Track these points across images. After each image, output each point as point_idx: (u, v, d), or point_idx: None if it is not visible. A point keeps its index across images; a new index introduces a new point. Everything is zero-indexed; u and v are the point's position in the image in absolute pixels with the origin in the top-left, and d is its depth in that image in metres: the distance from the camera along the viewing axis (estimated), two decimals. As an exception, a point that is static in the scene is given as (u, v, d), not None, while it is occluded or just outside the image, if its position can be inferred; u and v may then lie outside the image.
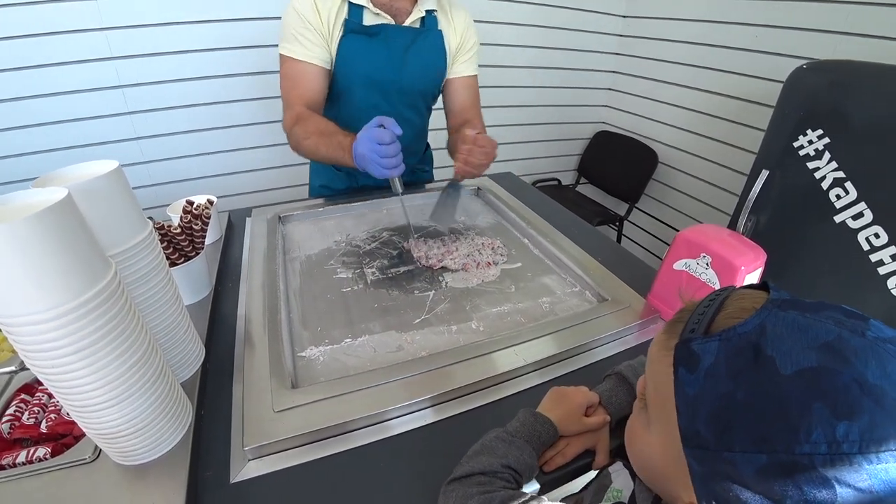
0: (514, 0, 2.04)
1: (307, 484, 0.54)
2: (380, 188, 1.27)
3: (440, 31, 1.11)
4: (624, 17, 2.35)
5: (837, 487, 0.25)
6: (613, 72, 2.51)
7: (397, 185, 0.95)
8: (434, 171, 1.46)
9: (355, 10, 1.02)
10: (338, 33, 1.03)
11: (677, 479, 0.31)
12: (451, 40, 1.14)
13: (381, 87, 1.11)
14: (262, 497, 0.52)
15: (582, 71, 2.43)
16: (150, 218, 0.62)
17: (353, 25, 1.02)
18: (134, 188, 0.55)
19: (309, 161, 1.32)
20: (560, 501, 0.43)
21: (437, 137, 1.37)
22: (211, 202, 0.93)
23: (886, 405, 0.25)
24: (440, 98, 1.26)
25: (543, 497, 0.45)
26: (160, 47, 1.57)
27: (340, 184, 1.31)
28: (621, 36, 2.41)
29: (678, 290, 0.76)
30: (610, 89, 2.57)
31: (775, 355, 0.28)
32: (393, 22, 1.05)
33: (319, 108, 1.09)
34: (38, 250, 0.37)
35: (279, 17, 1.64)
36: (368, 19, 1.03)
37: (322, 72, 1.06)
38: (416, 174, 1.36)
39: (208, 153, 1.82)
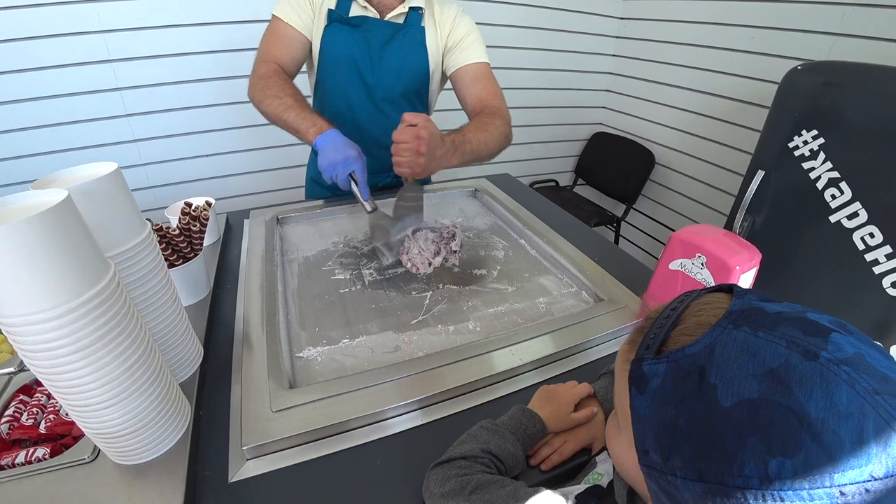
0: (512, 3, 2.05)
1: (305, 483, 0.54)
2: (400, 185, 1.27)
3: (422, 27, 1.10)
4: (621, 18, 2.36)
5: None
6: (611, 73, 2.52)
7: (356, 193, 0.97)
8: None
9: (343, 1, 1.04)
10: (322, 22, 1.05)
11: (643, 482, 0.32)
12: (435, 38, 1.11)
13: (359, 78, 1.11)
14: (261, 496, 0.53)
15: (579, 73, 2.44)
16: (149, 220, 0.62)
17: (336, 15, 1.04)
18: (132, 190, 0.55)
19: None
20: (541, 487, 0.43)
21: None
22: (209, 204, 0.94)
23: (825, 440, 0.24)
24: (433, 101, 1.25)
25: (521, 482, 0.46)
26: (158, 50, 1.58)
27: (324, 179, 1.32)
28: (618, 38, 2.42)
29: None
30: (607, 91, 2.58)
31: (718, 383, 0.27)
32: (377, 16, 1.06)
33: (291, 78, 1.09)
34: (38, 251, 0.38)
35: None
36: (354, 10, 1.05)
37: (304, 43, 1.08)
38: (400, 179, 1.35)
39: (206, 155, 1.83)
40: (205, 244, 0.90)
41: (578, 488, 0.43)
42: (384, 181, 1.30)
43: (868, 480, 0.23)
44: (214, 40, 1.63)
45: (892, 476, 0.23)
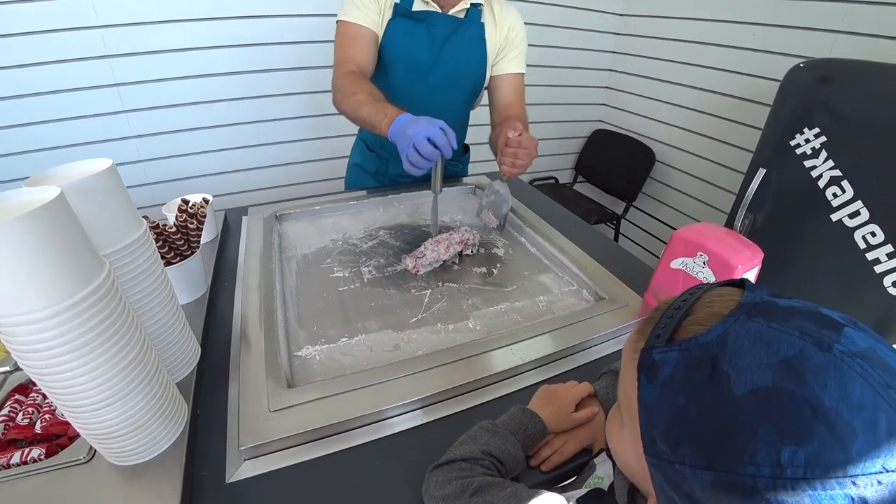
0: (512, -2, 2.04)
1: (303, 484, 0.53)
2: (404, 184, 1.29)
3: (482, 24, 1.14)
4: (621, 15, 2.35)
5: None
6: (611, 70, 2.51)
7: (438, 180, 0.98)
8: (469, 166, 1.47)
9: None
10: (388, 14, 1.09)
11: (646, 475, 0.31)
12: (494, 36, 1.15)
13: (419, 71, 1.14)
14: (258, 497, 0.52)
15: (579, 70, 2.43)
16: (145, 217, 0.62)
17: (401, 10, 1.08)
18: (130, 187, 0.55)
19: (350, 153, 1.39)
20: (541, 489, 0.43)
21: (475, 133, 1.39)
22: (206, 201, 0.92)
23: (838, 430, 0.24)
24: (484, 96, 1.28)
25: (522, 484, 0.45)
26: (156, 45, 1.56)
27: (371, 165, 1.33)
28: (618, 34, 2.40)
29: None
30: (607, 88, 2.57)
31: (731, 372, 0.27)
32: (439, 10, 1.10)
33: (368, 76, 1.11)
34: (31, 249, 0.37)
35: (276, 16, 1.66)
36: (417, 6, 1.09)
37: (374, 38, 1.10)
38: (448, 168, 1.37)
39: (204, 152, 1.82)
40: (202, 241, 0.89)
41: (579, 492, 0.42)
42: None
43: (881, 472, 0.23)
44: (213, 36, 1.62)
45: None
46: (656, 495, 0.31)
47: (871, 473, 0.23)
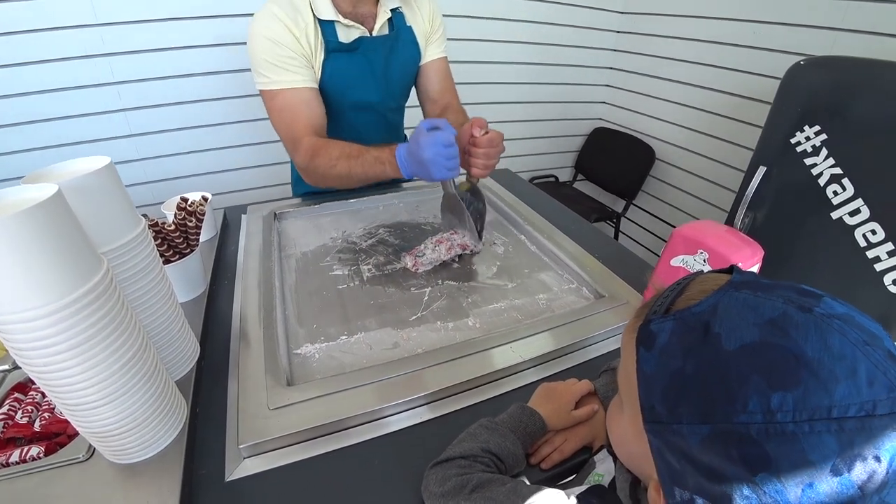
0: (512, -4, 2.04)
1: (302, 482, 0.53)
2: (401, 181, 1.29)
3: (409, 27, 1.09)
4: (621, 13, 2.34)
5: (773, 455, 0.25)
6: (611, 68, 2.51)
7: (452, 186, 0.95)
8: None
9: (328, 27, 0.98)
10: (320, 55, 0.98)
11: (646, 456, 0.32)
12: (421, 28, 1.11)
13: (369, 104, 1.10)
14: (258, 495, 0.52)
15: (579, 68, 2.42)
16: (144, 215, 0.61)
17: (333, 45, 0.98)
18: (129, 186, 0.55)
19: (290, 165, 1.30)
20: (542, 485, 0.43)
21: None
22: (205, 199, 0.92)
23: (822, 376, 0.25)
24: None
25: (523, 479, 0.45)
26: (155, 44, 1.56)
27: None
28: (619, 32, 2.40)
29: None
30: (607, 86, 2.56)
31: (721, 332, 0.29)
32: (366, 31, 1.02)
33: (324, 133, 1.03)
34: (28, 247, 0.37)
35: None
36: (343, 34, 1.00)
37: (318, 94, 1.02)
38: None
39: (204, 150, 1.81)
40: (202, 240, 0.89)
41: (580, 489, 0.43)
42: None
43: (865, 416, 0.24)
44: (211, 34, 1.62)
45: (887, 415, 0.24)
46: (656, 466, 0.31)
47: (856, 417, 0.25)
